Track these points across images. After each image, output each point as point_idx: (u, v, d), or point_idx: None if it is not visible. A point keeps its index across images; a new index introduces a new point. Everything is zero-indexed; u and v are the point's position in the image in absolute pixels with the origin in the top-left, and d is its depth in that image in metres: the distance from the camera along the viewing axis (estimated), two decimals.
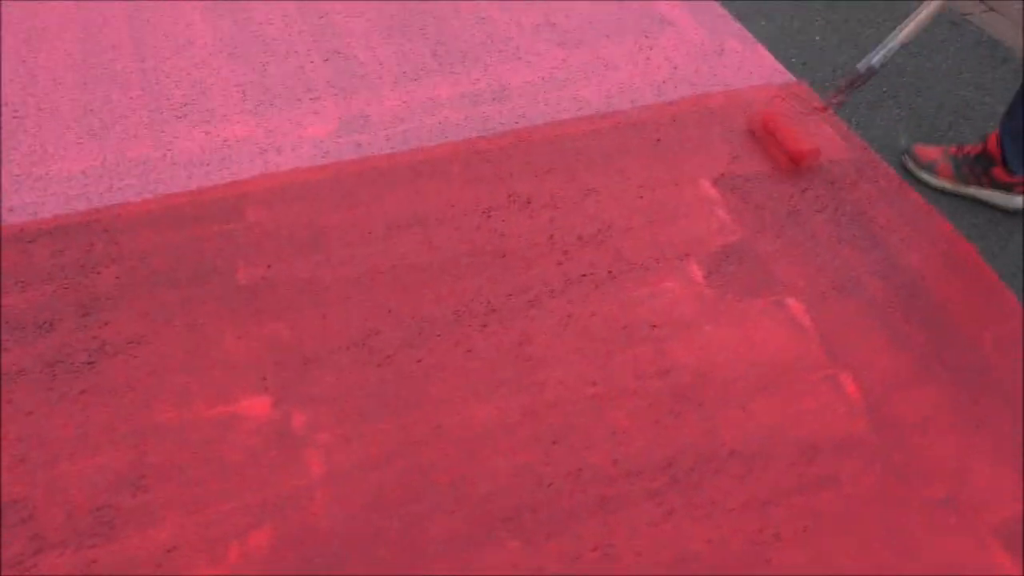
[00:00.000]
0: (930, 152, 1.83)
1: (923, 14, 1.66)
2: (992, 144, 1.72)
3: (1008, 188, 1.74)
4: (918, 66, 2.12)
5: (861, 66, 1.75)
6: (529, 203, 1.77)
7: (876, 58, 1.72)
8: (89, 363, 1.45)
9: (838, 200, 1.78)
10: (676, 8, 2.33)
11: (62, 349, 1.47)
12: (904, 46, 1.70)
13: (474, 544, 1.22)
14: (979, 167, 1.75)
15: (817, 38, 2.25)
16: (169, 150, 1.89)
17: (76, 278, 1.59)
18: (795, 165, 1.82)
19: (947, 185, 1.79)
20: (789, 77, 2.10)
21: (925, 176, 1.81)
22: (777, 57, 2.17)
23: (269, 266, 1.62)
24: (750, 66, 2.14)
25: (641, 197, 1.79)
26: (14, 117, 1.96)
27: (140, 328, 1.51)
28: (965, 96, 2.07)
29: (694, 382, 1.44)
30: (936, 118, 2.00)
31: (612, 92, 2.06)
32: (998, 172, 1.73)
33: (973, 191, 1.78)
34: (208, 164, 1.86)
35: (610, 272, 1.64)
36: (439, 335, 1.51)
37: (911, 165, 1.84)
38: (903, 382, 1.44)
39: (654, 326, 1.54)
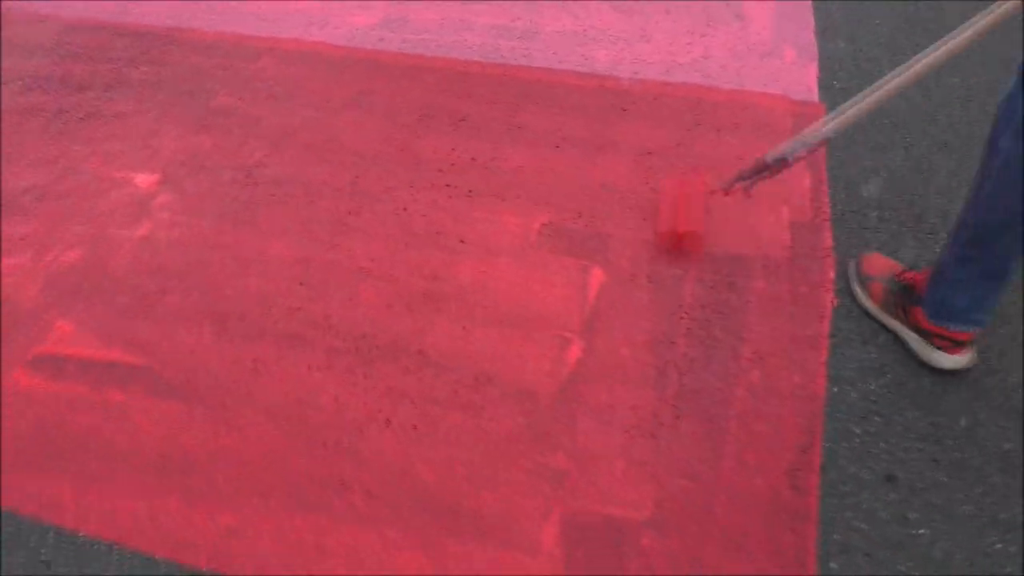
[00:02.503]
0: (880, 265, 1.49)
1: (841, 119, 1.38)
2: (925, 275, 1.38)
3: (926, 336, 1.37)
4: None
5: (769, 156, 1.46)
6: (464, 120, 1.91)
7: (790, 148, 1.43)
8: (81, 118, 1.95)
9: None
10: (760, 8, 2.21)
11: (74, 103, 1.99)
12: (826, 141, 1.41)
13: (178, 323, 1.48)
14: (906, 299, 1.40)
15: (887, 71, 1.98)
16: (243, 2, 2.36)
17: (113, 65, 2.12)
18: (675, 244, 1.58)
19: (870, 308, 1.46)
20: (811, 96, 1.92)
21: (856, 289, 1.50)
22: (823, 76, 1.98)
23: (240, 99, 2.00)
24: (782, 75, 1.98)
25: (558, 147, 1.83)
26: None
27: (122, 108, 1.98)
28: None
29: (450, 294, 1.51)
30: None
31: (625, 60, 2.07)
32: (918, 312, 1.37)
33: (896, 325, 1.43)
34: (267, 21, 2.28)
35: (473, 191, 1.73)
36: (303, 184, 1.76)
37: (850, 271, 1.53)
38: (627, 378, 1.36)
39: (465, 242, 1.62)
